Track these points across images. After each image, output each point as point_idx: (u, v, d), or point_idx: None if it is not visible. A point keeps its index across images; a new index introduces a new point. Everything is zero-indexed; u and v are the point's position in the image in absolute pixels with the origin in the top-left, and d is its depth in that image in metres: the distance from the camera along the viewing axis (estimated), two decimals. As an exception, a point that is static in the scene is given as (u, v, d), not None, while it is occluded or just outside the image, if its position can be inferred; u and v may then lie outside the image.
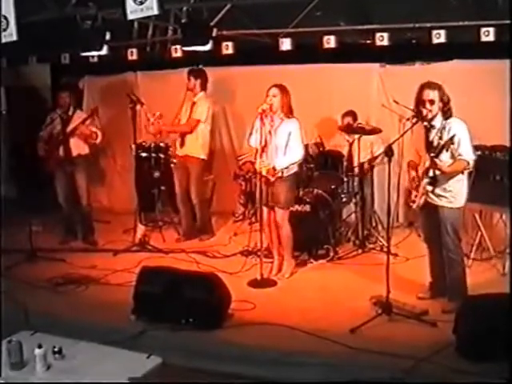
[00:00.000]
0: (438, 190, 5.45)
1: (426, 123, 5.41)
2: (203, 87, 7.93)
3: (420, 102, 5.43)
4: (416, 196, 5.56)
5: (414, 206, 5.60)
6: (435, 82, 5.44)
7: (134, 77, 9.64)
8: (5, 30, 5.77)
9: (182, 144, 7.91)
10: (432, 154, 5.29)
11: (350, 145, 7.86)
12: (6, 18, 5.75)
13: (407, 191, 7.93)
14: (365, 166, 7.72)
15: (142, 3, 5.30)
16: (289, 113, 6.42)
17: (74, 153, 7.83)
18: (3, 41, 5.87)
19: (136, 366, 3.63)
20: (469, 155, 5.32)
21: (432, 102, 5.36)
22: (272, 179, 6.43)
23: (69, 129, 7.73)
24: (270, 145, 6.41)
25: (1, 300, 5.60)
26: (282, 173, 6.42)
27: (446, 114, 5.39)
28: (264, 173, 6.43)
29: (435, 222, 5.60)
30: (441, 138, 5.33)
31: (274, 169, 6.38)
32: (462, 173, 5.43)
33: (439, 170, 5.33)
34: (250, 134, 6.58)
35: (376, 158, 7.69)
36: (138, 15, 5.48)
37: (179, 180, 8.06)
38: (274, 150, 6.40)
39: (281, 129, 6.39)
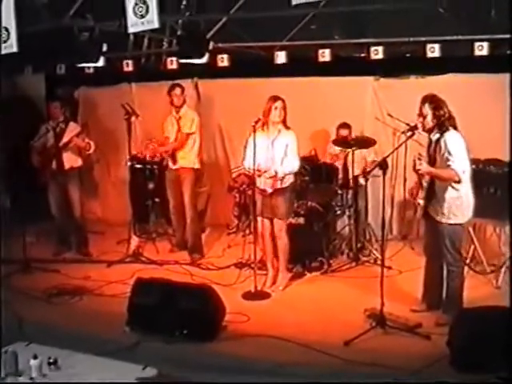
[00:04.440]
0: (434, 203, 5.48)
1: (429, 136, 5.47)
2: (185, 100, 7.90)
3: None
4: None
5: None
6: (430, 95, 5.48)
7: (129, 88, 9.62)
8: (5, 41, 5.77)
9: (175, 160, 7.80)
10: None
11: (344, 158, 7.88)
12: (6, 29, 5.74)
13: (401, 204, 8.05)
14: (359, 178, 7.73)
15: (143, 17, 5.30)
16: (286, 125, 6.49)
17: (67, 166, 7.84)
18: (3, 52, 5.86)
19: (132, 378, 3.63)
20: (458, 166, 5.28)
21: (423, 116, 5.41)
22: (270, 191, 6.47)
23: (62, 142, 7.73)
24: (268, 156, 6.46)
25: (1, 310, 5.56)
26: (281, 183, 6.46)
27: (442, 128, 5.39)
28: (265, 182, 6.47)
29: (434, 234, 5.62)
30: (435, 150, 5.36)
31: (275, 172, 6.39)
32: (453, 186, 5.40)
33: (417, 171, 5.36)
34: (243, 158, 6.64)
35: (370, 171, 7.69)
36: (139, 28, 5.46)
37: (173, 194, 7.98)
38: (271, 161, 6.45)
39: (278, 141, 6.46)
